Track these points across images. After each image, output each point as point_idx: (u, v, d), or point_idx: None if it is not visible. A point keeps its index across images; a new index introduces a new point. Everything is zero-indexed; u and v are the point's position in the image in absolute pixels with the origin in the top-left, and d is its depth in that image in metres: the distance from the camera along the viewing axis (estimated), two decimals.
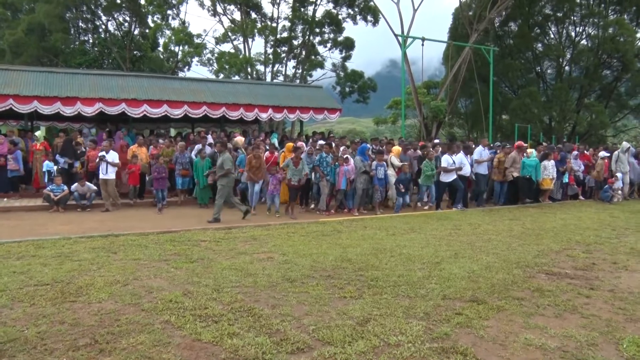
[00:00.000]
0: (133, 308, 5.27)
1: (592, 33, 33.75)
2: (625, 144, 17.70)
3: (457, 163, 13.95)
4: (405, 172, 13.67)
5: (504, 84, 37.78)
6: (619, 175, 16.56)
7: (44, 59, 38.50)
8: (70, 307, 5.28)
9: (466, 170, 14.38)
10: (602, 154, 17.30)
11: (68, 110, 16.21)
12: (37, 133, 15.12)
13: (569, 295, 5.88)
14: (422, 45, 26.21)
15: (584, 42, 34.80)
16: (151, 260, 7.36)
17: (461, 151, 14.29)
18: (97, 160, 13.45)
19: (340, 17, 38.55)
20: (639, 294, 6.00)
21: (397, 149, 14.79)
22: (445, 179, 14.01)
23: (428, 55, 27.20)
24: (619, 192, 16.32)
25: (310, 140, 16.65)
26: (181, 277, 6.44)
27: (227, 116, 18.32)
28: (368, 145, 14.75)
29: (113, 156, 13.53)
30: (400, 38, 27.26)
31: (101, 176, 13.35)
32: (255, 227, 10.37)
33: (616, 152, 17.18)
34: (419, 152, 15.42)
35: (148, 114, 17.03)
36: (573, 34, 35.25)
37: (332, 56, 40.02)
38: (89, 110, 16.37)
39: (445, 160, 13.85)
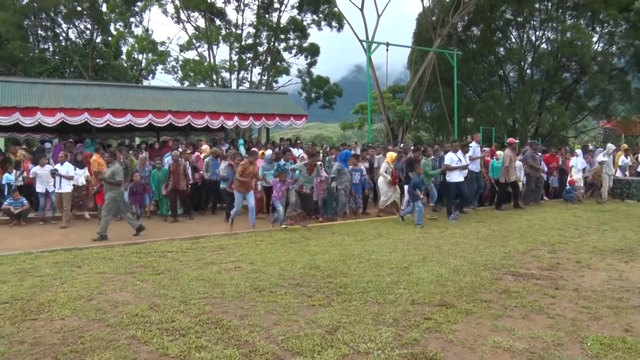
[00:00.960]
0: (98, 324, 5.14)
1: (552, 37, 34.52)
2: (610, 146, 17.95)
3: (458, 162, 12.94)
4: (419, 175, 12.33)
5: (468, 88, 38.32)
6: (605, 176, 16.85)
7: (1, 68, 37.51)
8: (30, 325, 5.13)
9: (474, 168, 13.89)
10: (600, 157, 17.19)
11: (27, 121, 15.79)
12: None
13: (535, 296, 5.97)
14: (387, 50, 26.43)
15: (544, 45, 35.56)
16: (117, 274, 7.21)
17: (459, 150, 13.27)
18: (50, 174, 12.87)
19: (305, 23, 38.62)
20: (602, 293, 6.13)
21: (391, 155, 14.06)
22: (453, 179, 12.90)
23: (393, 60, 27.40)
24: (581, 191, 16.66)
25: (279, 147, 16.54)
26: (147, 289, 6.32)
27: (192, 124, 18.13)
28: (352, 152, 14.33)
29: (68, 168, 12.93)
30: (365, 43, 27.42)
31: (56, 190, 12.75)
32: (222, 237, 10.26)
33: (600, 156, 17.32)
34: (410, 155, 14.20)
35: (112, 124, 16.72)
36: (533, 38, 35.99)
37: (298, 62, 40.07)
38: (50, 121, 15.98)
39: (450, 158, 12.95)
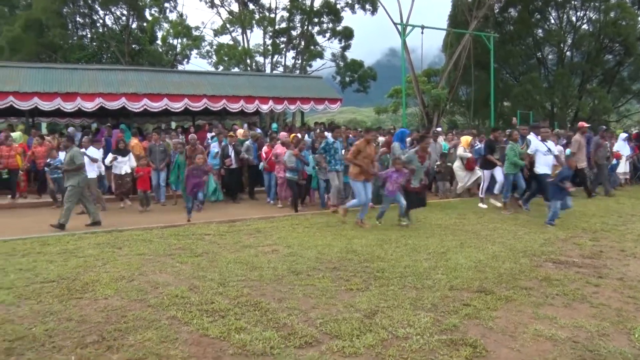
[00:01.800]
0: (139, 304, 5.25)
1: (594, 17, 33.48)
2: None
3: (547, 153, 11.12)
4: (568, 166, 9.91)
5: (504, 71, 37.56)
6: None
7: (42, 55, 38.33)
8: (76, 303, 5.27)
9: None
10: None
11: (68, 106, 16.16)
12: (14, 134, 14.66)
13: (577, 284, 5.84)
14: (422, 33, 26.02)
15: (585, 26, 34.53)
16: (156, 255, 7.34)
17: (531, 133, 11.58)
18: None
19: (338, 6, 38.32)
20: None
21: (466, 138, 13.34)
22: (542, 170, 11.02)
23: (427, 44, 27.05)
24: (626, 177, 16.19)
25: (316, 130, 16.41)
26: (186, 271, 6.42)
27: (227, 109, 18.25)
28: (408, 130, 13.42)
29: (92, 152, 12.60)
30: (399, 27, 27.08)
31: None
32: (259, 220, 10.34)
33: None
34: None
35: (148, 108, 16.97)
36: (574, 18, 34.97)
37: (331, 46, 39.82)
38: (89, 106, 16.31)
39: (535, 146, 11.14)
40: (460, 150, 13.32)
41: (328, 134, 13.09)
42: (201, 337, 4.38)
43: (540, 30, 36.42)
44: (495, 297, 5.36)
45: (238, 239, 8.44)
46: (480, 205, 12.02)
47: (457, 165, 13.37)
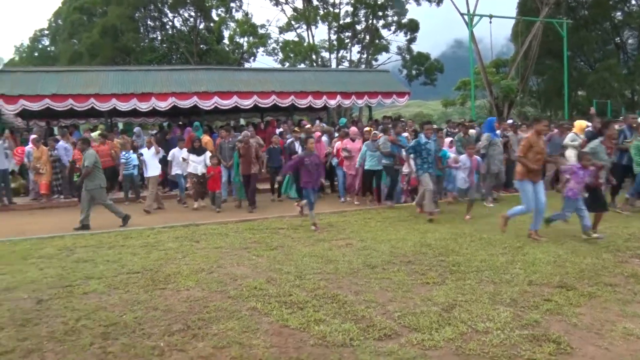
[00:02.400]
0: (220, 295, 5.43)
1: None
2: None
3: None
4: None
5: (579, 59, 36.03)
6: None
7: (117, 59, 40.19)
8: (161, 294, 5.51)
9: None
10: None
11: (144, 106, 16.82)
12: (93, 134, 15.26)
13: None
14: (490, 22, 25.42)
15: None
16: (233, 249, 7.56)
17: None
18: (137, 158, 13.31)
19: None
20: None
21: (580, 123, 12.03)
22: None
23: (495, 33, 26.43)
24: None
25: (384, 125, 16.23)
26: (263, 264, 6.57)
27: (295, 104, 18.45)
28: (495, 118, 12.64)
29: (153, 152, 12.58)
30: (466, 17, 26.48)
31: (145, 174, 12.80)
32: (331, 214, 10.43)
33: None
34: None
35: (219, 106, 17.41)
36: None
37: (397, 39, 39.40)
38: (163, 105, 16.91)
39: None
40: (569, 139, 11.88)
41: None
42: (282, 328, 4.49)
43: (619, 13, 34.63)
44: (578, 293, 5.19)
45: (311, 233, 8.54)
46: None
47: (570, 153, 11.64)
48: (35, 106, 16.15)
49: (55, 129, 19.31)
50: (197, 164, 12.30)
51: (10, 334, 4.57)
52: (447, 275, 5.86)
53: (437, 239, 7.74)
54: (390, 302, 5.06)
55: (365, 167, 11.70)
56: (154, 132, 19.25)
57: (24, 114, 18.61)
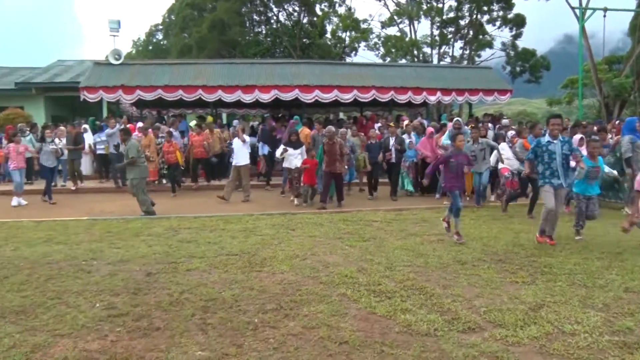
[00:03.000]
0: (312, 280, 5.65)
1: None
2: None
3: None
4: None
5: None
6: None
7: (222, 51, 41.90)
8: (257, 275, 5.83)
9: None
10: None
11: (247, 98, 17.55)
12: (192, 123, 15.91)
13: None
14: (604, 16, 23.95)
15: None
16: (326, 238, 7.79)
17: None
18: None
19: None
20: None
21: None
22: None
23: (610, 27, 24.83)
24: None
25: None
26: (355, 254, 6.74)
27: (395, 100, 18.44)
28: (637, 118, 11.23)
29: (241, 142, 12.61)
30: (577, 11, 25.10)
31: (233, 162, 12.75)
32: (425, 210, 10.42)
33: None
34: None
35: (319, 99, 17.78)
36: None
37: (501, 35, 37.93)
38: (266, 97, 17.55)
39: None
40: None
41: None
42: (369, 315, 4.63)
43: None
44: None
45: (404, 227, 8.61)
46: None
47: None
48: (149, 96, 17.35)
49: (166, 118, 20.57)
50: (294, 158, 12.02)
51: (125, 300, 5.05)
52: (537, 276, 5.73)
53: (530, 240, 7.54)
54: (477, 297, 5.05)
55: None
56: (256, 123, 20.00)
57: (139, 104, 19.98)
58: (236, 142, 12.83)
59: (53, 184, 13.63)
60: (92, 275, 5.94)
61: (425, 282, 5.52)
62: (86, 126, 16.83)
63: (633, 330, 4.27)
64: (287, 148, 12.16)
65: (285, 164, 12.38)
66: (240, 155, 12.61)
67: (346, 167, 12.16)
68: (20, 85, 25.09)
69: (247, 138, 13.15)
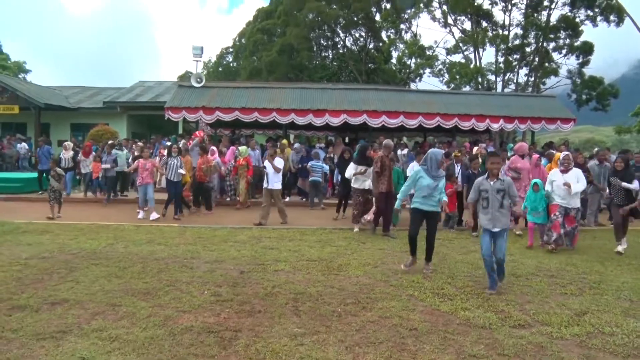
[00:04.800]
0: (383, 283, 6.55)
1: None
2: None
3: None
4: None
5: None
6: None
7: (291, 75, 43.69)
8: (335, 277, 6.78)
9: None
10: None
11: (318, 121, 18.65)
12: (241, 148, 15.50)
13: None
14: None
15: None
16: (394, 251, 8.69)
17: None
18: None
19: (577, 19, 36.29)
20: None
21: None
22: None
23: None
24: None
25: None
26: (420, 265, 7.55)
27: (459, 126, 19.11)
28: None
29: (278, 162, 12.21)
30: None
31: (265, 185, 12.18)
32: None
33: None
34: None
35: (386, 124, 18.67)
36: None
37: (568, 62, 37.67)
38: (335, 121, 18.59)
39: None
40: None
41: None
42: (433, 311, 5.49)
43: None
44: None
45: (465, 245, 9.38)
46: None
47: None
48: (227, 117, 18.75)
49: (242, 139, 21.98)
50: (367, 177, 10.93)
51: (227, 290, 6.11)
52: (585, 290, 6.42)
53: (583, 260, 8.18)
54: (528, 303, 5.82)
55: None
56: (322, 145, 21.03)
57: (215, 124, 21.51)
58: (268, 166, 12.13)
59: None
60: (195, 270, 7.06)
61: (482, 289, 6.31)
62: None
63: None
64: (362, 167, 10.97)
65: (354, 185, 11.09)
66: (274, 179, 12.07)
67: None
68: (107, 104, 27.45)
69: (281, 165, 12.33)
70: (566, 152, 9.88)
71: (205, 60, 61.78)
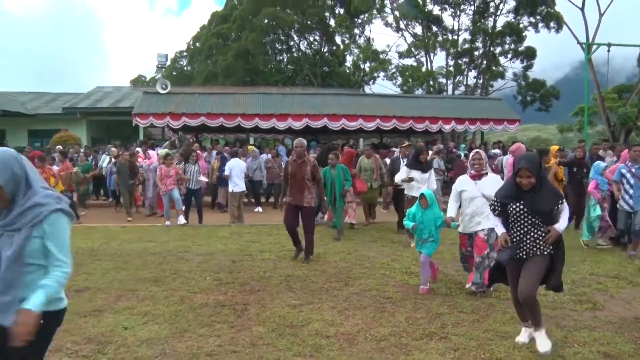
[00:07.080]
0: (358, 266, 7.65)
1: None
2: None
3: None
4: None
5: None
6: None
7: (246, 79, 44.32)
8: (316, 263, 7.85)
9: None
10: None
11: (281, 125, 19.67)
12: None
13: None
14: (608, 51, 25.90)
15: None
16: (363, 241, 9.80)
17: None
18: None
19: (521, 25, 38.45)
20: None
21: None
22: None
23: (624, 55, 26.55)
24: None
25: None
26: (387, 251, 8.69)
27: (413, 128, 20.44)
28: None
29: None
30: (584, 46, 27.13)
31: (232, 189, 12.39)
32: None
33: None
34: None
35: (345, 127, 19.84)
36: None
37: (513, 66, 39.81)
38: (298, 125, 19.64)
39: None
40: None
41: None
42: (404, 284, 6.63)
43: None
44: None
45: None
46: None
47: None
48: (193, 122, 19.53)
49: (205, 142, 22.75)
50: (422, 184, 9.03)
51: (226, 275, 7.07)
52: None
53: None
54: None
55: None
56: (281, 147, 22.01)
57: (183, 129, 22.18)
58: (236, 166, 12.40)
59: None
60: (191, 262, 7.95)
61: (442, 267, 7.46)
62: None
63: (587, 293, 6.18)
64: (414, 171, 9.33)
65: (412, 193, 9.15)
66: (240, 182, 12.47)
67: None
68: (67, 110, 27.51)
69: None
70: (477, 150, 6.99)
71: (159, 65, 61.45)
